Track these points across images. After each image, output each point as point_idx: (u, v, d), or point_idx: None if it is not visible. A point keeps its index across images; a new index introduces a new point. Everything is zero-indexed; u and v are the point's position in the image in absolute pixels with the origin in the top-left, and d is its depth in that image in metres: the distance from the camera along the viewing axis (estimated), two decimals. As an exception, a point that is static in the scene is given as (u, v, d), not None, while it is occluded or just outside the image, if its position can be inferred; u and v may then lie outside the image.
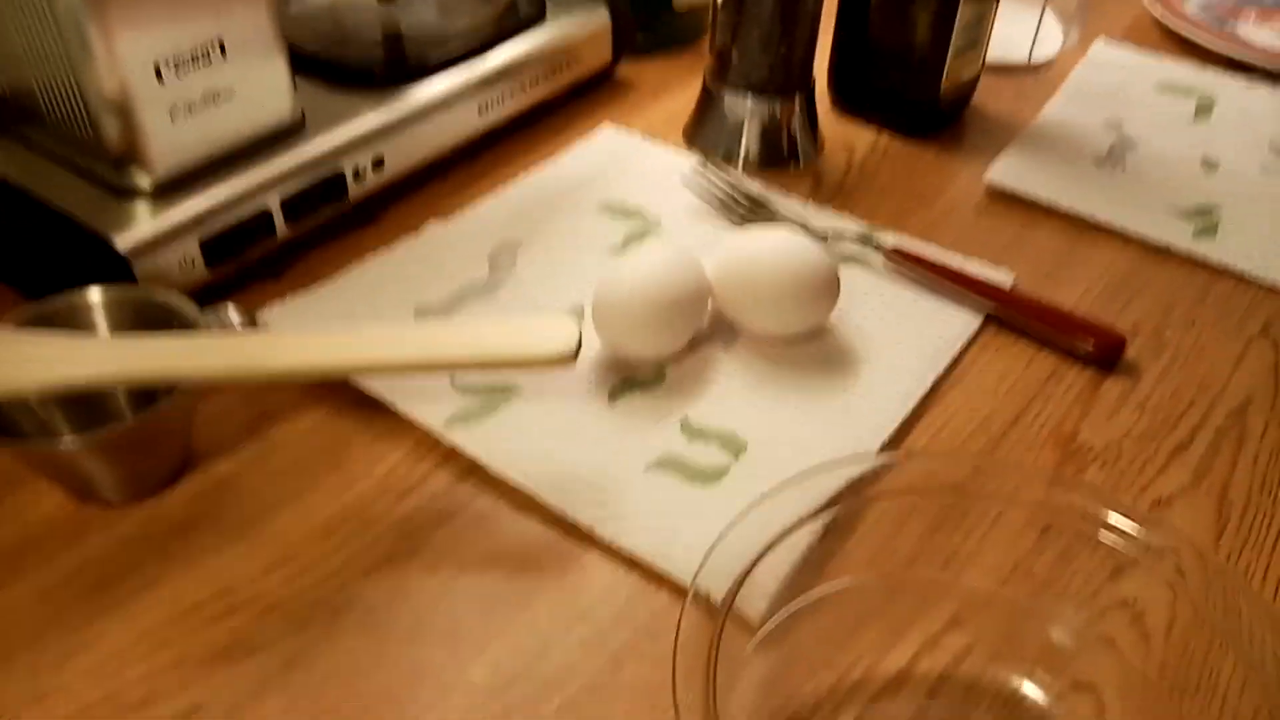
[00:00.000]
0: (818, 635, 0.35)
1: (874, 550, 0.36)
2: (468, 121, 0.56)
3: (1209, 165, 0.61)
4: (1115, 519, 0.34)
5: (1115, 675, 0.34)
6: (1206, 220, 0.56)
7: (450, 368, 0.40)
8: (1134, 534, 0.33)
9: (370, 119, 0.52)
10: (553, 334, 0.38)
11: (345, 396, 0.43)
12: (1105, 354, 0.47)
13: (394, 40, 0.59)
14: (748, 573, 0.30)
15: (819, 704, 0.34)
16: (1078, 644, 0.34)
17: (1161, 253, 0.54)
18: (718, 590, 0.30)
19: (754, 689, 0.32)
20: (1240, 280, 0.52)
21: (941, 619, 0.36)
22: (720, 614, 0.29)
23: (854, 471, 0.35)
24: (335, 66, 0.55)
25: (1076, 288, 0.52)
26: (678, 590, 0.37)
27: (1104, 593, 0.34)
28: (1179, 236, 0.55)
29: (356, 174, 0.51)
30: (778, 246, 0.46)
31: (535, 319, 0.40)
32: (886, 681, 0.34)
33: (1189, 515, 0.41)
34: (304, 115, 0.50)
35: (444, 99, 0.55)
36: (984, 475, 0.36)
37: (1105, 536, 0.34)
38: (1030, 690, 0.34)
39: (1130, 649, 0.34)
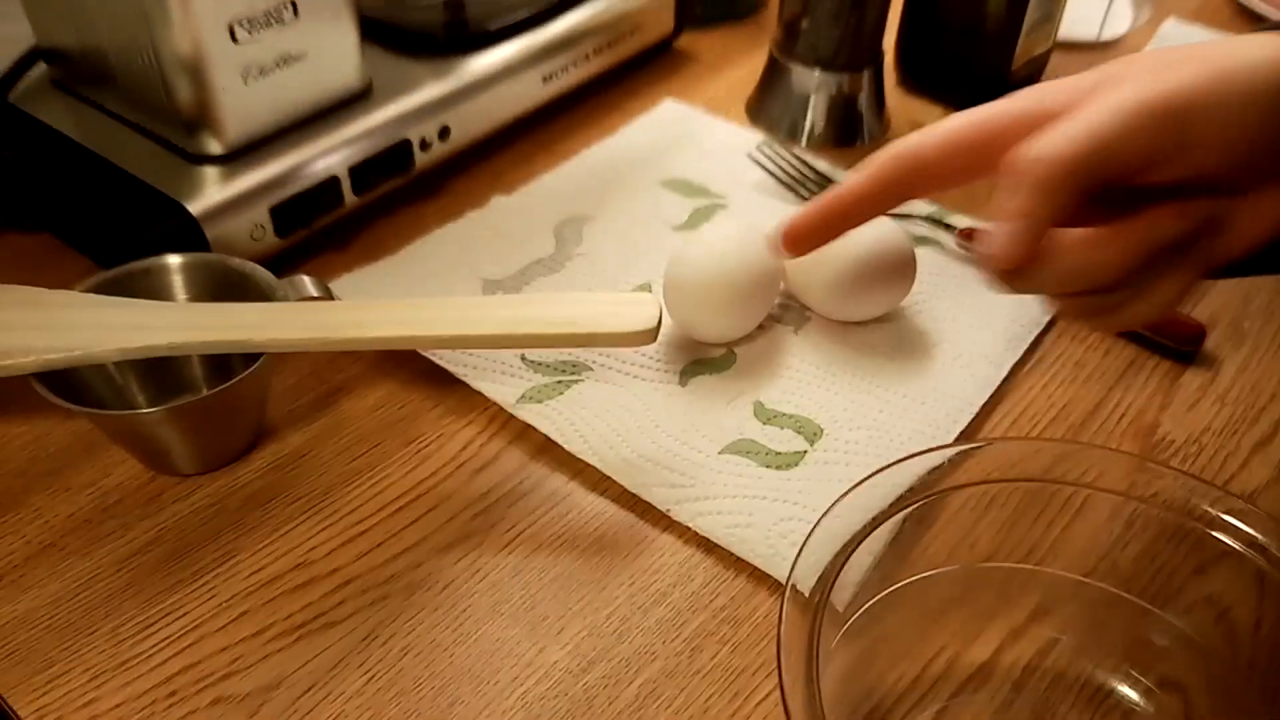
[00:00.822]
0: (900, 626, 0.34)
1: (955, 540, 0.35)
2: (532, 91, 0.55)
3: (1286, 150, 0.59)
4: (1202, 509, 0.33)
5: (1203, 673, 0.33)
6: (1285, 207, 0.55)
7: (532, 342, 0.39)
8: (1222, 524, 0.32)
9: (435, 88, 0.51)
10: (633, 311, 0.38)
11: (413, 370, 0.43)
12: (1184, 344, 0.46)
13: (455, 3, 0.58)
14: (843, 564, 0.30)
15: (902, 696, 0.33)
16: (1165, 639, 0.34)
17: (1239, 240, 0.53)
18: (805, 581, 0.30)
19: (837, 680, 0.32)
20: (1321, 270, 0.51)
21: (1025, 611, 0.35)
22: (815, 607, 0.29)
23: (938, 460, 0.34)
24: (397, 30, 0.54)
25: (1152, 274, 0.50)
26: (754, 575, 0.37)
27: (1191, 587, 0.33)
28: (1257, 224, 0.53)
29: (423, 143, 0.50)
30: (853, 226, 0.45)
31: (614, 295, 0.39)
32: (970, 674, 0.34)
33: (1273, 512, 0.40)
34: (370, 82, 0.49)
35: (508, 67, 0.54)
36: (1067, 463, 0.35)
37: (1192, 527, 0.33)
38: (1117, 686, 0.33)
39: (1219, 646, 0.33)
